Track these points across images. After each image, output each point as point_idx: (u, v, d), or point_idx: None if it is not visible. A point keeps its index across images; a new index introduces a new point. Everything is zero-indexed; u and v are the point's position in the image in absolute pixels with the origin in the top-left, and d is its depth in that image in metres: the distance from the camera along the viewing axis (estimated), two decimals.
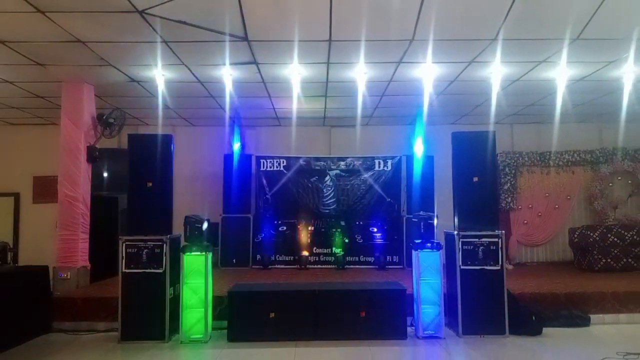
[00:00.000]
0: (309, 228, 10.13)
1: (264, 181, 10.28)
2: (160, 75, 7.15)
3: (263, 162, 10.32)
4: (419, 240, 6.06)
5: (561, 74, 7.28)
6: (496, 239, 5.96)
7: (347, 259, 9.88)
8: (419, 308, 5.92)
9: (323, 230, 10.17)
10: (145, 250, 5.87)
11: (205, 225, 6.02)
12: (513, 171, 10.76)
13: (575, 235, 9.58)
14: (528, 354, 5.33)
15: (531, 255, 10.89)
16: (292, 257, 9.97)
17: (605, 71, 7.27)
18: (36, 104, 8.87)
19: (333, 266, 9.82)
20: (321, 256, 10.03)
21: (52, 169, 9.24)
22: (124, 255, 5.88)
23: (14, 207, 10.60)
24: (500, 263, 5.93)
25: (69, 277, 7.27)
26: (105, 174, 10.44)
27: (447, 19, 5.41)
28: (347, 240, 10.05)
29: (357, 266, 9.84)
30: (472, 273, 5.92)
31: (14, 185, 10.58)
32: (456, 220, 6.14)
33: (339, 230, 10.11)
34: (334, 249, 10.01)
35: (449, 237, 6.17)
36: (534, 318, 6.02)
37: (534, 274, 8.85)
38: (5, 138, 10.61)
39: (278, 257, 9.99)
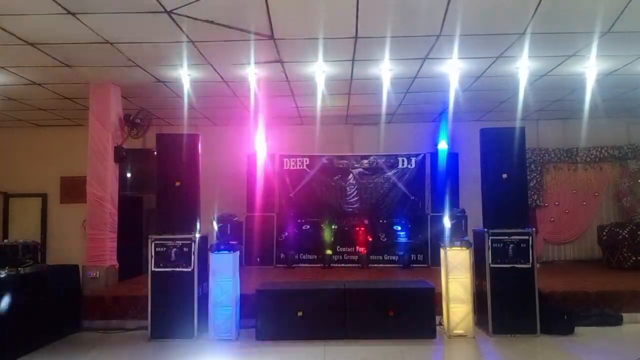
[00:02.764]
0: (333, 227, 10.10)
1: (287, 180, 10.31)
2: (185, 75, 7.20)
3: (286, 161, 10.34)
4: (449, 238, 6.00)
5: (590, 68, 7.15)
6: (526, 237, 5.88)
7: (371, 257, 9.84)
8: (448, 307, 5.86)
9: (346, 228, 10.14)
10: (174, 249, 5.92)
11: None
12: (539, 168, 10.62)
13: (604, 233, 9.40)
14: (561, 354, 5.24)
15: (558, 253, 10.72)
16: (315, 256, 9.97)
17: (636, 65, 7.12)
18: (63, 106, 9.00)
19: (357, 265, 9.79)
20: (345, 255, 10.01)
21: (79, 170, 9.38)
22: (153, 254, 5.93)
23: (42, 207, 10.79)
24: (531, 261, 5.84)
25: (98, 276, 7.36)
26: (128, 174, 10.56)
27: (475, 14, 5.33)
28: (370, 239, 9.99)
29: (381, 265, 9.80)
30: (502, 271, 5.84)
31: (41, 186, 10.76)
32: (485, 217, 6.06)
33: (362, 228, 10.06)
34: (357, 247, 9.97)
35: (478, 235, 6.10)
36: (565, 317, 5.92)
37: (562, 272, 8.71)
38: (33, 139, 10.78)
39: (302, 256, 9.99)
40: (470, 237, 6.13)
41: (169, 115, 9.93)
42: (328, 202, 10.28)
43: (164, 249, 5.93)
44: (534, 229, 5.97)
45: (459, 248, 5.91)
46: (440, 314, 6.02)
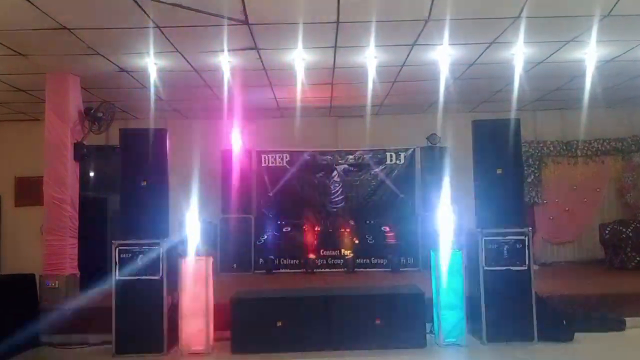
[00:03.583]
0: (316, 228, 10.14)
1: (266, 178, 10.29)
2: (152, 64, 7.13)
3: (264, 158, 10.32)
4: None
5: (590, 55, 7.23)
6: (523, 237, 5.93)
7: (358, 261, 9.88)
8: (439, 313, 5.90)
9: (331, 230, 10.18)
10: (141, 255, 5.86)
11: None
12: (537, 162, 10.73)
13: (607, 232, 9.54)
14: None
15: (558, 254, 10.85)
16: (297, 261, 9.98)
17: (638, 51, 7.22)
18: (18, 99, 8.87)
19: (342, 269, 9.83)
20: (329, 259, 10.04)
21: (36, 170, 9.16)
22: (117, 261, 5.87)
23: None
24: (527, 263, 5.90)
25: (57, 285, 7.25)
26: (92, 173, 10.43)
27: None
28: (357, 241, 10.04)
29: (369, 269, 9.85)
30: (497, 274, 5.89)
31: None
32: (478, 216, 6.11)
33: (348, 230, 10.11)
34: (343, 250, 10.01)
35: (471, 236, 6.14)
36: (564, 322, 6.00)
37: (562, 274, 8.86)
38: None
39: (282, 261, 9.99)
40: (462, 237, 6.18)
41: (134, 108, 9.85)
42: (310, 201, 10.29)
43: (130, 255, 5.86)
44: (530, 228, 6.03)
45: (450, 250, 5.95)
46: (431, 321, 6.06)
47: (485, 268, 5.91)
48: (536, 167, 10.72)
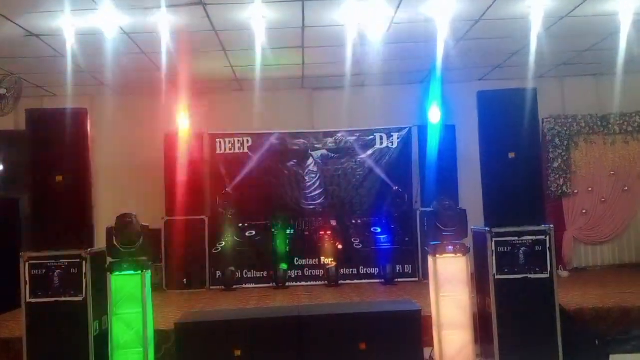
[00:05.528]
0: (288, 232, 10.16)
1: (222, 169, 10.28)
2: (69, 25, 7.09)
3: (220, 143, 10.30)
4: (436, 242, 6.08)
5: (626, 6, 7.30)
6: (543, 237, 5.97)
7: (342, 271, 9.94)
8: (441, 335, 5.95)
9: (307, 233, 10.28)
10: (58, 271, 5.80)
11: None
12: (565, 142, 10.80)
13: None
14: None
15: (593, 257, 11.01)
16: (265, 273, 10.04)
17: None
18: None
19: (322, 282, 9.90)
20: (305, 269, 10.12)
21: None
22: (28, 279, 5.81)
23: None
24: (549, 269, 5.96)
25: None
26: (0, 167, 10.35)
27: None
28: (340, 247, 10.11)
29: (356, 281, 9.96)
30: (512, 284, 5.93)
31: None
32: (487, 212, 6.16)
33: (328, 232, 10.18)
34: (322, 258, 10.06)
35: (479, 236, 6.19)
36: (597, 342, 6.08)
37: (596, 282, 8.98)
38: None
39: (246, 274, 10.05)
40: (468, 239, 6.22)
41: (52, 83, 9.82)
42: (280, 197, 10.33)
43: (44, 271, 5.81)
44: (552, 225, 6.06)
45: (453, 254, 5.99)
46: (431, 345, 6.11)
47: (497, 276, 5.95)
48: (564, 148, 10.79)
